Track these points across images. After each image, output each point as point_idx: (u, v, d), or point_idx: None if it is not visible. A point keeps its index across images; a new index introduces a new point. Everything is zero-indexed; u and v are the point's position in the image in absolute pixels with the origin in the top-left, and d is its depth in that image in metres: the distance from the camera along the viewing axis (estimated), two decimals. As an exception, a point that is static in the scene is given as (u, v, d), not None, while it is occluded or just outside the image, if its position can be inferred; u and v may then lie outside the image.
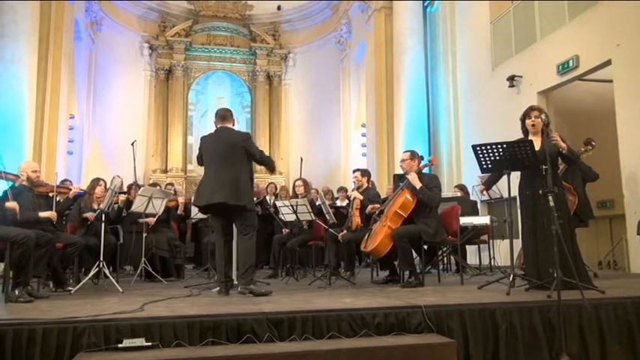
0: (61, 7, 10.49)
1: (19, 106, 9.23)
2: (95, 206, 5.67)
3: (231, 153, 4.33)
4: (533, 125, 4.22)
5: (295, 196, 6.92)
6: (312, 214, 5.78)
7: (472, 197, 7.65)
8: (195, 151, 14.12)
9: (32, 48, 9.57)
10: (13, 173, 4.63)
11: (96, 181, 5.93)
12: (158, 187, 6.60)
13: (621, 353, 3.23)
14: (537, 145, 4.08)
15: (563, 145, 3.98)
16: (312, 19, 15.49)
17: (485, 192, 4.95)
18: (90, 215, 5.52)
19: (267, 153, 5.01)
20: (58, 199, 5.05)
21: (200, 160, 4.61)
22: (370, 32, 12.48)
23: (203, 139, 4.61)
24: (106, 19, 13.54)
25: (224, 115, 4.54)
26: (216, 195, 4.22)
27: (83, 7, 12.16)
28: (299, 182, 6.96)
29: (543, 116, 4.18)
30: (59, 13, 10.41)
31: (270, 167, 4.94)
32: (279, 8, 15.42)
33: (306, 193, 6.92)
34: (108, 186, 5.71)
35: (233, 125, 4.59)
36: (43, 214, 4.48)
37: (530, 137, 4.23)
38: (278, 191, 8.83)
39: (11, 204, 4.11)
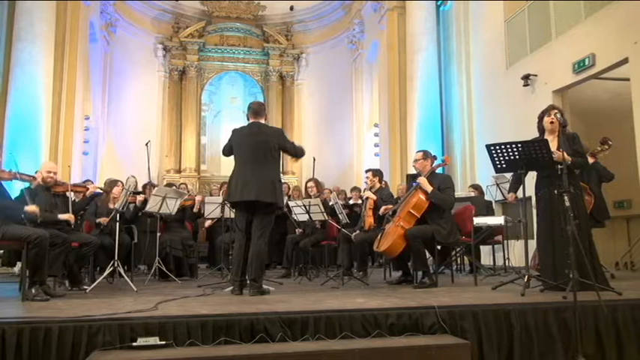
0: (77, 9, 10.63)
1: (36, 108, 9.38)
2: (112, 206, 5.74)
3: (266, 150, 4.34)
4: (551, 122, 4.17)
5: (308, 196, 6.92)
6: (324, 213, 5.78)
7: (487, 197, 7.59)
8: (209, 151, 14.52)
9: (48, 50, 9.70)
10: (29, 174, 4.70)
11: (114, 182, 6.04)
12: (173, 187, 6.65)
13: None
14: (554, 145, 4.02)
15: (567, 159, 3.88)
16: (324, 19, 15.49)
17: (514, 199, 4.67)
18: (103, 220, 5.60)
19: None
20: (74, 198, 5.11)
21: (228, 151, 4.56)
22: (383, 32, 12.44)
23: (235, 131, 4.56)
24: (121, 21, 13.67)
25: (257, 109, 4.53)
26: (249, 191, 4.23)
27: (98, 10, 12.31)
28: (311, 183, 6.96)
29: (559, 115, 4.13)
30: (74, 16, 10.54)
31: (302, 154, 4.76)
32: (291, 9, 15.43)
33: (319, 193, 6.92)
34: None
35: (265, 120, 4.59)
36: (62, 217, 4.56)
37: (546, 136, 4.18)
38: (290, 192, 8.84)
39: (31, 208, 4.15)
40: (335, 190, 8.79)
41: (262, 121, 4.54)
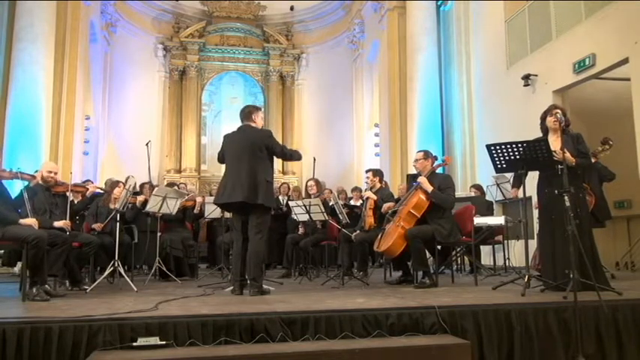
0: (77, 9, 10.63)
1: (36, 108, 9.38)
2: (112, 206, 5.74)
3: (252, 151, 4.35)
4: (555, 122, 4.17)
5: (308, 196, 6.93)
6: (324, 213, 5.78)
7: (487, 197, 7.59)
8: (209, 151, 14.52)
9: (49, 50, 9.71)
10: (29, 173, 4.71)
11: (116, 183, 6.07)
12: (175, 187, 6.65)
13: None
14: (557, 145, 4.01)
15: (569, 158, 3.91)
16: (324, 19, 15.49)
17: (517, 194, 4.71)
18: (97, 226, 5.62)
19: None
20: (72, 198, 5.11)
21: (222, 158, 4.61)
22: (383, 32, 12.44)
23: (226, 136, 4.62)
24: (121, 21, 13.67)
25: (247, 112, 4.56)
26: (236, 193, 4.25)
27: (98, 10, 12.31)
28: (311, 182, 6.97)
29: (559, 115, 4.12)
30: (75, 16, 10.54)
31: (297, 159, 4.77)
32: (292, 9, 15.44)
33: (319, 192, 6.93)
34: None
35: (256, 122, 4.59)
36: (57, 224, 4.55)
37: (550, 136, 4.18)
38: (290, 192, 8.83)
39: (27, 221, 4.09)
40: (338, 189, 8.80)
41: (252, 124, 4.56)
